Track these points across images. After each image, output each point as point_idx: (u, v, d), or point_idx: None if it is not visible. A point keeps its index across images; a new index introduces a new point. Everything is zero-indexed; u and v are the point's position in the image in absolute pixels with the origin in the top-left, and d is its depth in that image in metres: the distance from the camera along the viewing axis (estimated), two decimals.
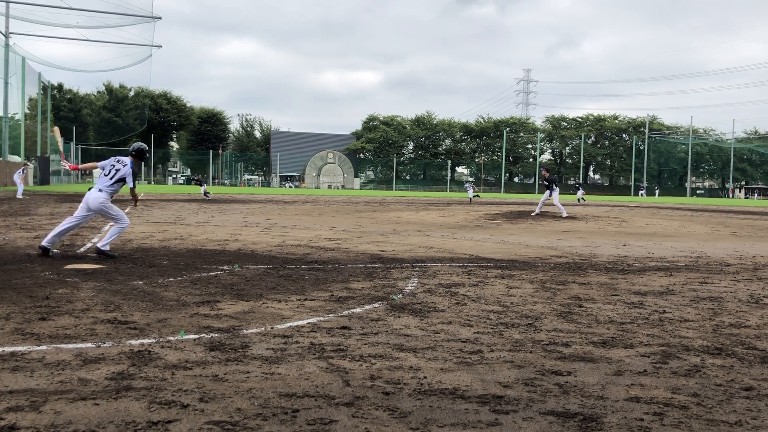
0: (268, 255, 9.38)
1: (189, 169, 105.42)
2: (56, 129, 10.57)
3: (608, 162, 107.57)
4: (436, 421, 3.07)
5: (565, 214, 21.77)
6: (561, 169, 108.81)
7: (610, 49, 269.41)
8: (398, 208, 26.73)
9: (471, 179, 48.46)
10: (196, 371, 3.73)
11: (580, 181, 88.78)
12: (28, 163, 39.24)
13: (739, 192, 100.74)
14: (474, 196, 43.62)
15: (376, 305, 5.82)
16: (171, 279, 6.99)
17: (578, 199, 43.42)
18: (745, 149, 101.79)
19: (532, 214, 21.87)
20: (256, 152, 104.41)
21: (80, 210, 8.54)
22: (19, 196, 27.03)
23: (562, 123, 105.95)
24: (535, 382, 3.70)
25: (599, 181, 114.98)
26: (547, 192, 22.50)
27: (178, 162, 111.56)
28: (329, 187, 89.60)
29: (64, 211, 18.79)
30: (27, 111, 55.75)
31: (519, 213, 23.51)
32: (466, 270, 8.36)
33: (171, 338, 4.46)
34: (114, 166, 8.59)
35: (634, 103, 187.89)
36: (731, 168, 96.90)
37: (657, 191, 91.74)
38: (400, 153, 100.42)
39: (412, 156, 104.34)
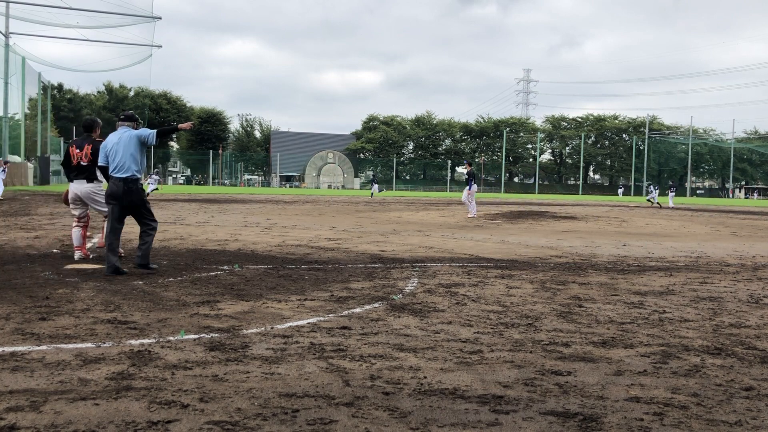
0: (268, 255, 9.38)
1: (189, 169, 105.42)
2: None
3: (608, 162, 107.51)
4: (436, 421, 3.07)
5: (471, 214, 20.63)
6: (561, 169, 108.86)
7: (611, 49, 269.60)
8: (398, 208, 26.74)
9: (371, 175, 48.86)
10: (196, 371, 3.73)
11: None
12: (9, 162, 37.89)
13: (739, 192, 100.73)
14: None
15: (376, 305, 5.82)
16: (171, 279, 6.99)
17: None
18: (745, 149, 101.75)
19: (468, 216, 20.58)
20: (256, 152, 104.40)
21: None
22: None
23: (562, 123, 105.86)
24: (535, 382, 3.70)
25: (599, 181, 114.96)
26: (467, 188, 21.16)
27: (178, 162, 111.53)
28: (329, 187, 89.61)
29: (64, 210, 18.77)
30: (27, 111, 55.69)
31: (519, 213, 23.51)
32: (466, 270, 8.36)
33: (171, 338, 4.46)
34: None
35: (634, 103, 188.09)
36: (731, 168, 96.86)
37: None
38: (400, 153, 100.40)
39: (412, 156, 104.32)
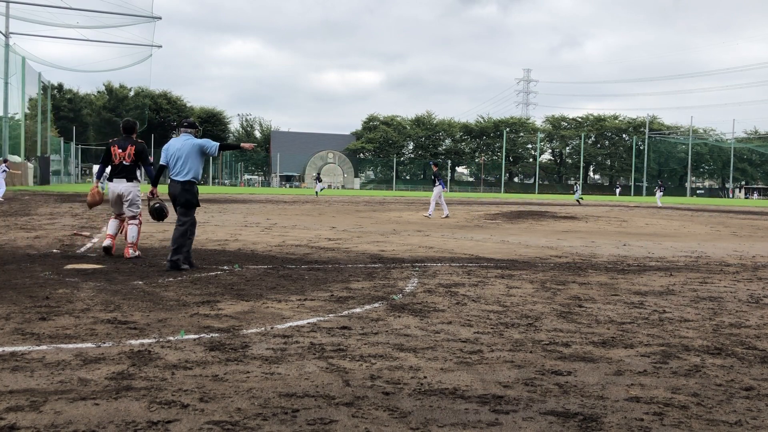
0: (268, 255, 9.38)
1: None
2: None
3: (608, 162, 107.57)
4: (436, 421, 3.07)
5: (429, 213, 20.75)
6: (561, 169, 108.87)
7: (611, 49, 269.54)
8: (398, 208, 26.74)
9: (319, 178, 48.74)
10: (196, 371, 3.73)
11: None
12: (8, 159, 37.55)
13: (739, 192, 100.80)
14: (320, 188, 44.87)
15: (376, 305, 5.82)
16: (171, 279, 6.99)
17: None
18: (745, 149, 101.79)
19: (425, 215, 20.53)
20: (256, 152, 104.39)
21: None
22: (0, 198, 24.35)
23: (562, 123, 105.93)
24: (535, 382, 3.70)
25: (599, 181, 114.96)
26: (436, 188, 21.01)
27: None
28: (329, 187, 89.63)
29: (64, 211, 18.79)
30: (27, 111, 55.69)
31: (519, 213, 23.52)
32: (466, 270, 8.36)
33: (171, 338, 4.46)
34: None
35: (634, 103, 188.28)
36: (731, 168, 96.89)
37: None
38: (400, 153, 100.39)
39: (412, 156, 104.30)
